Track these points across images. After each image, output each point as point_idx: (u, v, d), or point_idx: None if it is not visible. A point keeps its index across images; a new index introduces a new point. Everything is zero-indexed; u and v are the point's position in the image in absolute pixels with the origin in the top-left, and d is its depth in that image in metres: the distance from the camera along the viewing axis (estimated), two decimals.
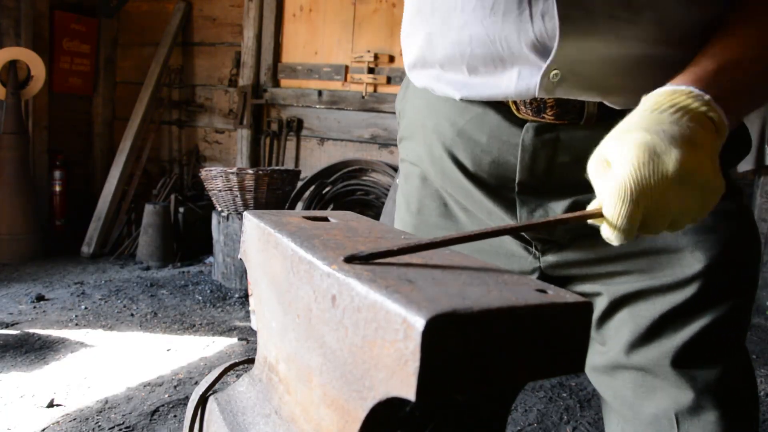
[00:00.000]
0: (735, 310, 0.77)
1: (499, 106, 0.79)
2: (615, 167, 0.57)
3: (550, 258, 0.83)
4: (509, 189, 0.81)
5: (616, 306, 0.81)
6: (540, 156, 0.78)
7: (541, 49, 0.71)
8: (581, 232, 0.79)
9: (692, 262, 0.75)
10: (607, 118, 0.74)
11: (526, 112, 0.77)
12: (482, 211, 0.85)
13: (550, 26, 0.69)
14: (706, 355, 0.76)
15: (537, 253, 0.84)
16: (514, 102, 0.78)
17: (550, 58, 0.70)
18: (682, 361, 0.76)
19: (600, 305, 0.82)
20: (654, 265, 0.77)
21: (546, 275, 0.85)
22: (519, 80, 0.74)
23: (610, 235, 0.58)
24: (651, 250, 0.77)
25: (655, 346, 0.77)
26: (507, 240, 0.86)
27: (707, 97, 0.60)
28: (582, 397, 2.36)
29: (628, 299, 0.79)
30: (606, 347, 0.82)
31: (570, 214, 0.60)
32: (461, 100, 0.81)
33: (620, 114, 0.70)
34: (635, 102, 0.71)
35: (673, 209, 0.57)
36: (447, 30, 0.78)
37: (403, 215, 0.97)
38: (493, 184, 0.83)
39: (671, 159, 0.55)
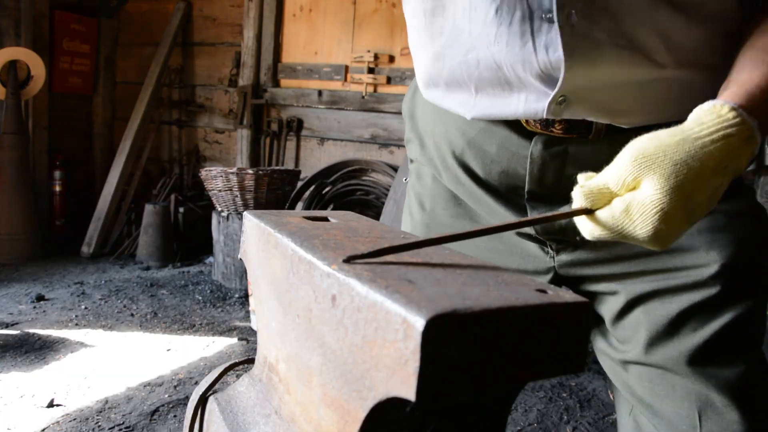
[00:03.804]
0: (754, 308, 0.77)
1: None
2: (634, 214, 0.57)
3: (564, 257, 0.84)
4: (519, 196, 0.82)
5: (632, 305, 0.81)
6: (549, 168, 0.78)
7: (546, 79, 0.71)
8: None
9: (708, 261, 0.76)
10: (615, 133, 0.74)
11: (535, 126, 0.78)
12: (495, 216, 0.86)
13: (554, 58, 0.69)
14: (727, 354, 0.76)
15: (552, 252, 0.85)
16: None
17: (557, 87, 0.70)
18: (703, 360, 0.76)
19: (617, 304, 0.82)
20: (669, 264, 0.78)
21: (560, 275, 0.86)
22: (527, 104, 0.75)
23: (584, 232, 0.62)
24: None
25: (675, 345, 0.77)
26: (522, 240, 0.87)
27: (755, 124, 0.59)
28: (582, 397, 2.36)
29: (644, 298, 0.80)
30: (625, 346, 0.83)
31: (562, 211, 0.62)
32: (471, 119, 0.82)
33: (629, 130, 0.70)
34: (643, 120, 0.70)
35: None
36: (455, 52, 0.78)
37: (416, 213, 0.98)
38: (504, 192, 0.84)
39: (677, 232, 0.58)
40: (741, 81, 0.63)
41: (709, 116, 0.59)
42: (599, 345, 0.88)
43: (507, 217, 0.84)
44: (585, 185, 0.61)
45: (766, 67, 0.64)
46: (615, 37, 0.68)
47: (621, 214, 0.57)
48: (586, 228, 0.61)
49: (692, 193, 0.56)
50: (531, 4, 0.69)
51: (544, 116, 0.73)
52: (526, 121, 0.78)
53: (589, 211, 0.60)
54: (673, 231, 0.57)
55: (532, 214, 0.82)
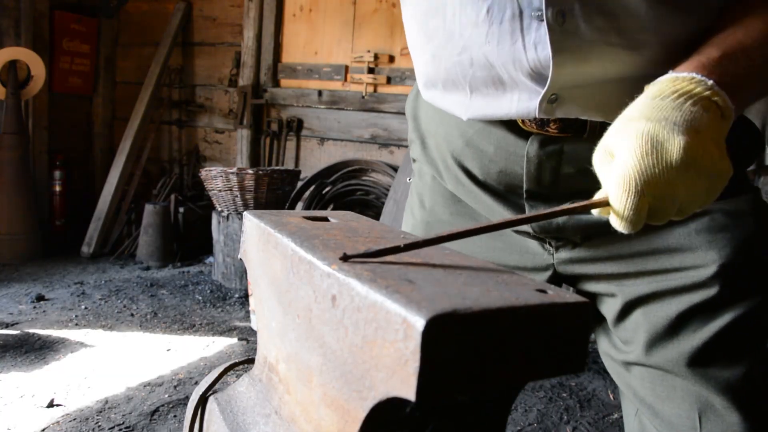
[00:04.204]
0: (755, 309, 0.76)
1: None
2: (618, 158, 0.57)
3: (563, 255, 0.84)
4: (518, 195, 0.83)
5: (630, 307, 0.81)
6: (545, 167, 0.78)
7: (537, 77, 0.72)
8: (593, 232, 0.80)
9: (707, 261, 0.75)
10: None
11: (530, 125, 0.78)
12: (494, 216, 0.87)
13: (544, 56, 0.69)
14: (727, 355, 0.76)
15: (551, 249, 0.85)
16: None
17: (546, 85, 0.71)
18: (703, 362, 0.76)
19: (615, 305, 0.82)
20: (667, 265, 0.77)
21: (559, 272, 0.86)
22: (519, 103, 0.75)
23: (618, 225, 0.58)
24: (663, 249, 0.77)
25: (674, 346, 0.77)
26: (521, 238, 0.87)
27: (710, 82, 0.59)
28: (582, 397, 2.36)
29: (642, 300, 0.79)
30: (627, 347, 0.83)
31: (576, 204, 0.60)
32: (467, 119, 0.82)
33: None
34: None
35: (680, 196, 0.57)
36: (449, 52, 0.79)
37: (416, 211, 0.98)
38: (502, 191, 0.84)
39: (674, 147, 0.55)
40: (695, 57, 0.65)
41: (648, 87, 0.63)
42: (602, 347, 0.89)
43: (506, 215, 0.84)
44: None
45: (725, 43, 0.65)
46: (606, 35, 0.68)
47: (616, 168, 0.57)
48: (616, 220, 0.58)
49: (648, 114, 0.57)
50: (521, 2, 0.69)
51: (537, 115, 0.73)
52: (522, 120, 0.78)
53: (606, 200, 0.58)
54: (658, 134, 0.56)
55: (530, 213, 0.82)
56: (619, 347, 0.84)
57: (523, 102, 0.74)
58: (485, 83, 0.77)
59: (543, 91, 0.71)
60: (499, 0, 0.70)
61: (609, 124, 0.74)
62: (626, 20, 0.67)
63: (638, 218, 0.56)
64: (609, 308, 0.84)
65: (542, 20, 0.68)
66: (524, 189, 0.81)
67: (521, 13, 0.69)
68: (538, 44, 0.69)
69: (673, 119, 0.56)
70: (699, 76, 0.60)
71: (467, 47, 0.75)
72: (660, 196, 0.56)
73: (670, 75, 0.62)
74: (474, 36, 0.74)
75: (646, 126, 0.56)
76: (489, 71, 0.75)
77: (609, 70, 0.70)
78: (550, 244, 0.85)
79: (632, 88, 0.69)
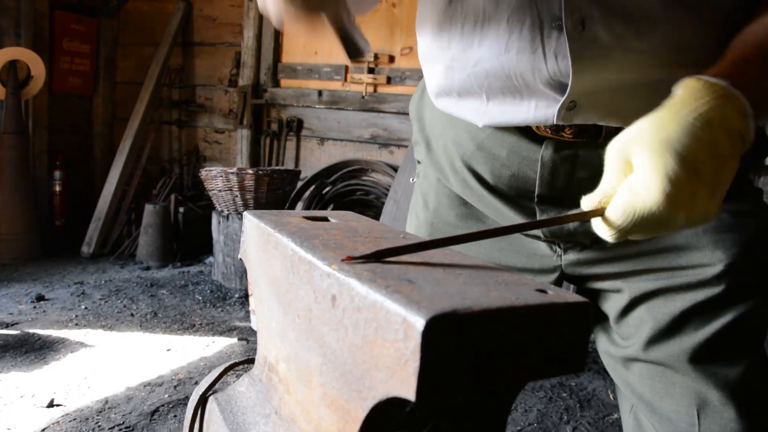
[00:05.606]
0: (757, 309, 0.77)
1: None
2: (638, 188, 0.55)
3: (571, 256, 0.84)
4: (529, 199, 0.83)
5: (636, 302, 0.81)
6: (559, 172, 0.78)
7: (556, 86, 0.72)
8: None
9: (713, 260, 0.76)
10: None
11: (545, 130, 0.78)
12: (504, 220, 0.87)
13: (564, 65, 0.69)
14: (728, 352, 0.76)
15: (559, 251, 0.85)
16: None
17: (566, 93, 0.70)
18: (704, 358, 0.76)
19: (621, 301, 0.83)
20: (673, 263, 0.78)
21: (566, 273, 0.86)
22: (537, 110, 0.75)
23: (602, 233, 0.60)
24: (671, 247, 0.78)
25: (676, 342, 0.77)
26: (530, 240, 0.87)
27: (748, 109, 0.57)
28: (582, 397, 2.36)
29: (648, 296, 0.80)
30: (627, 342, 0.83)
31: (573, 213, 0.61)
32: (483, 126, 0.82)
33: None
34: None
35: (662, 233, 0.59)
36: (463, 63, 0.79)
37: (420, 212, 0.98)
38: (513, 196, 0.84)
39: (688, 212, 0.55)
40: (731, 61, 0.63)
41: (677, 92, 0.60)
42: (601, 345, 0.89)
43: (516, 220, 0.84)
44: (588, 196, 0.60)
45: (741, 50, 0.63)
46: (625, 40, 0.68)
47: (626, 194, 0.56)
48: (605, 231, 0.59)
49: (682, 150, 0.54)
50: (541, 12, 0.69)
51: (555, 122, 0.73)
52: (537, 125, 0.78)
53: (602, 212, 0.59)
54: (682, 192, 0.54)
55: (541, 217, 0.82)
56: (618, 343, 0.85)
57: (541, 109, 0.74)
58: (502, 92, 0.77)
59: (562, 99, 0.71)
60: (519, 9, 0.70)
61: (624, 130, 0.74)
62: (644, 26, 0.67)
63: (623, 239, 0.59)
64: (613, 304, 0.84)
65: (562, 30, 0.68)
66: (536, 193, 0.81)
67: (541, 22, 0.69)
68: (559, 54, 0.69)
69: (701, 171, 0.54)
70: (736, 92, 0.57)
71: (483, 58, 0.75)
72: (649, 232, 0.58)
73: (708, 82, 0.58)
74: (493, 46, 0.74)
75: (678, 176, 0.53)
76: (505, 82, 0.75)
77: (627, 75, 0.70)
78: (558, 246, 0.85)
79: (649, 92, 0.69)
